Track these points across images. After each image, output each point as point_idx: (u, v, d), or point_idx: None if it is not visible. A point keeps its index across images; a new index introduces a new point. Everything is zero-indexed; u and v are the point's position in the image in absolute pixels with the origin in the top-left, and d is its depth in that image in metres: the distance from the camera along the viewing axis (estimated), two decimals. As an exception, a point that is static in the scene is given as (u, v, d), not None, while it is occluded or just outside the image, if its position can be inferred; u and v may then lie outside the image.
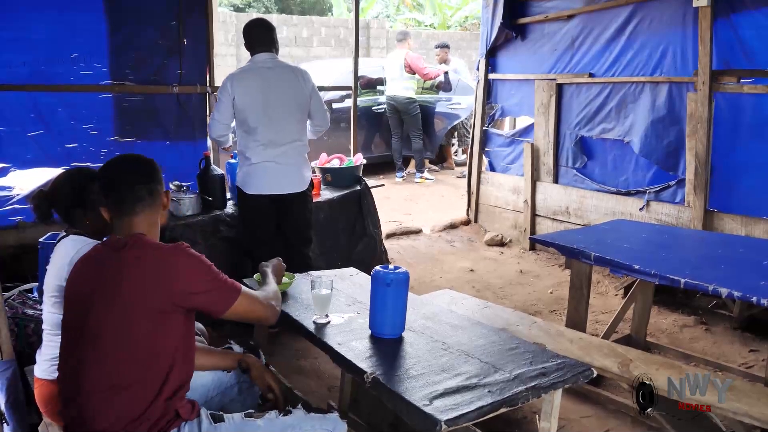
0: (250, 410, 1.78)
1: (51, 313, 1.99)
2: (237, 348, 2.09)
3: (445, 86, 7.90)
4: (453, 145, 8.77)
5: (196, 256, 1.68)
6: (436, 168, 8.36)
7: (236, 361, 2.00)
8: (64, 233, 2.06)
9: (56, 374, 1.94)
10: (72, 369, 1.65)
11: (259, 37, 3.30)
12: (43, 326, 2.04)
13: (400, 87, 7.49)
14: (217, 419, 1.70)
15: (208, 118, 3.97)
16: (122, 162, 1.83)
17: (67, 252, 1.96)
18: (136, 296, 1.59)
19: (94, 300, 1.64)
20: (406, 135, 7.75)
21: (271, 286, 2.01)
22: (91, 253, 1.76)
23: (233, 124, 3.34)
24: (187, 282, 1.62)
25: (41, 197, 2.07)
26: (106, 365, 1.59)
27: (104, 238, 2.13)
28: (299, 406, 1.79)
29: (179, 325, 1.64)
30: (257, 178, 3.30)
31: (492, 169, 5.58)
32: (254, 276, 2.41)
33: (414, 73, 7.46)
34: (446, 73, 7.72)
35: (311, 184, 3.47)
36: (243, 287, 1.75)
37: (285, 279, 2.37)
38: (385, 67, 7.66)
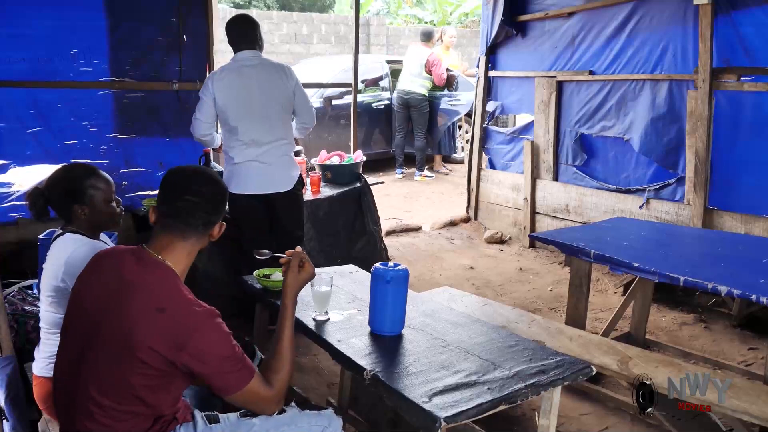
0: (246, 409, 1.77)
1: (48, 312, 1.98)
2: None
3: (453, 84, 7.90)
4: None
5: (225, 333, 1.55)
6: (446, 168, 8.30)
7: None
8: (60, 231, 2.04)
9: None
10: (70, 375, 1.60)
11: (242, 33, 3.23)
12: (41, 324, 2.03)
13: (418, 84, 7.48)
14: (212, 420, 1.69)
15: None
16: (197, 179, 1.66)
17: (63, 252, 1.94)
18: (145, 345, 1.47)
19: (108, 317, 1.54)
20: (409, 131, 7.74)
21: (287, 365, 1.70)
22: (113, 260, 1.63)
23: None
24: (203, 356, 1.50)
25: (36, 194, 2.06)
26: (101, 385, 1.53)
27: (100, 234, 2.13)
28: (293, 403, 1.79)
29: (177, 383, 1.57)
30: (241, 178, 3.24)
31: (492, 166, 5.58)
32: (254, 273, 2.41)
33: (431, 73, 7.47)
34: (448, 69, 7.70)
35: (300, 182, 3.40)
36: (256, 372, 1.60)
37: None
38: (405, 58, 7.65)
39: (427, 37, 7.64)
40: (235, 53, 3.26)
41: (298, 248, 1.89)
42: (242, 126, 3.17)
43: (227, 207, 1.77)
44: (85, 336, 1.58)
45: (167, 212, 1.62)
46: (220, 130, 3.41)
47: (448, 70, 7.70)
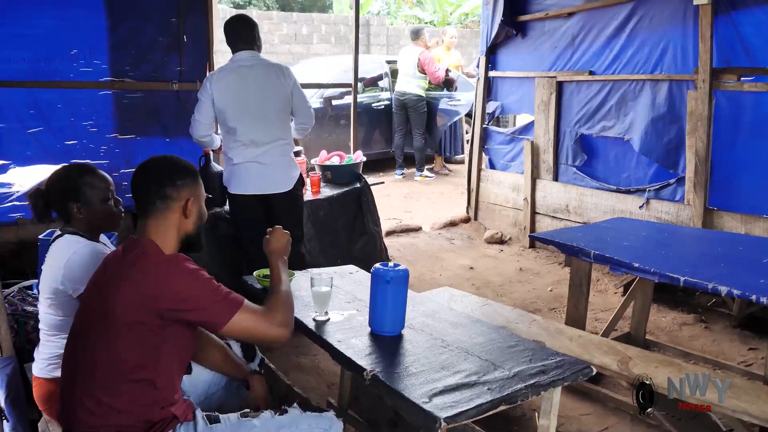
0: (246, 410, 1.77)
1: (47, 314, 1.97)
2: (235, 346, 2.09)
3: (452, 83, 7.89)
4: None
5: (192, 269, 1.62)
6: (447, 168, 8.29)
7: (242, 375, 2.00)
8: (59, 232, 2.03)
9: (54, 373, 1.94)
10: (68, 375, 1.66)
11: (241, 34, 3.23)
12: (40, 326, 2.02)
13: (413, 85, 7.47)
14: (212, 420, 1.70)
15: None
16: (152, 161, 1.77)
17: (62, 254, 1.93)
18: (125, 307, 1.55)
19: (92, 306, 1.65)
20: (408, 132, 7.74)
21: (281, 295, 1.81)
22: (110, 255, 1.77)
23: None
24: (178, 295, 1.57)
25: (37, 196, 2.06)
26: (96, 375, 1.58)
27: (101, 234, 2.14)
28: (295, 404, 1.79)
29: (167, 340, 1.60)
30: (240, 178, 3.25)
31: (492, 166, 5.58)
32: (254, 273, 2.41)
33: (425, 73, 7.46)
34: (448, 70, 7.69)
35: (300, 182, 3.40)
36: (246, 302, 1.67)
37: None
38: (398, 60, 7.65)
39: (415, 35, 7.62)
40: (233, 54, 3.25)
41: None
42: (240, 127, 3.17)
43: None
44: (80, 326, 1.65)
45: (135, 203, 1.74)
46: (219, 131, 3.41)
47: (447, 71, 7.68)
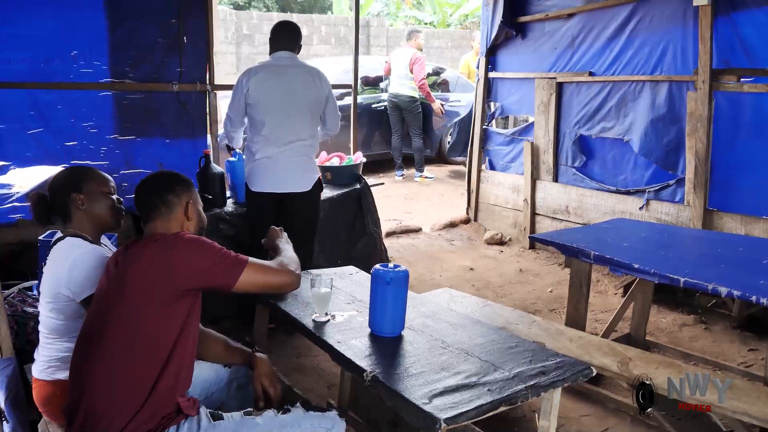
0: (249, 408, 1.78)
1: (48, 318, 1.96)
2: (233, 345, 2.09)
3: (444, 87, 7.91)
4: None
5: (195, 238, 1.74)
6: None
7: (245, 358, 2.00)
8: (60, 235, 2.01)
9: (54, 376, 1.94)
10: (77, 372, 1.70)
11: (287, 36, 3.34)
12: (40, 328, 2.00)
13: (406, 86, 7.46)
14: (216, 417, 1.71)
15: (207, 116, 3.98)
16: (151, 176, 1.94)
17: (65, 258, 1.91)
18: (139, 288, 1.65)
19: (102, 300, 1.72)
20: (406, 133, 7.74)
21: (286, 253, 1.99)
22: (118, 250, 1.85)
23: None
24: (188, 262, 1.67)
25: (38, 199, 2.05)
26: (107, 361, 1.63)
27: (102, 236, 2.14)
28: (298, 404, 1.80)
29: (182, 312, 1.68)
30: (260, 175, 3.30)
31: (492, 167, 5.58)
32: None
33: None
34: (435, 77, 7.67)
35: (318, 185, 3.42)
36: (251, 259, 1.77)
37: None
38: (390, 62, 7.65)
39: (409, 36, 7.66)
40: (270, 53, 3.36)
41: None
42: (268, 121, 3.23)
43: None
44: (89, 331, 1.71)
45: (140, 212, 1.87)
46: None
47: (433, 79, 7.68)
